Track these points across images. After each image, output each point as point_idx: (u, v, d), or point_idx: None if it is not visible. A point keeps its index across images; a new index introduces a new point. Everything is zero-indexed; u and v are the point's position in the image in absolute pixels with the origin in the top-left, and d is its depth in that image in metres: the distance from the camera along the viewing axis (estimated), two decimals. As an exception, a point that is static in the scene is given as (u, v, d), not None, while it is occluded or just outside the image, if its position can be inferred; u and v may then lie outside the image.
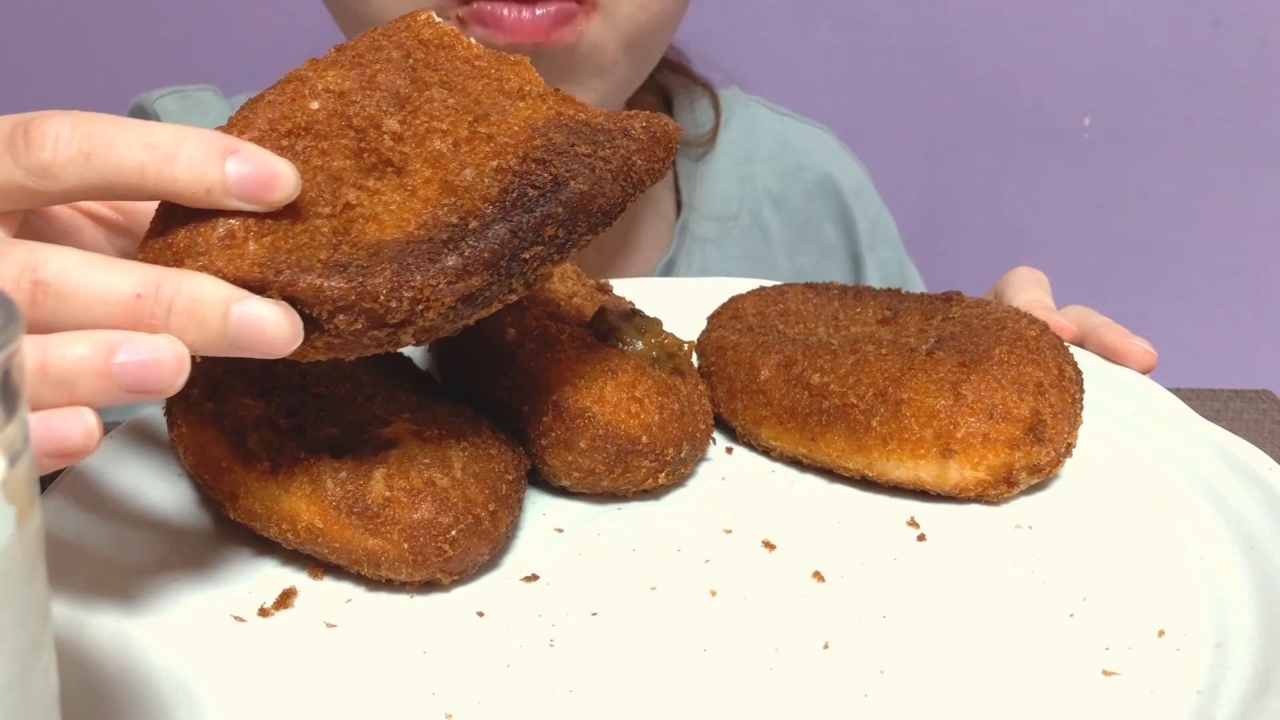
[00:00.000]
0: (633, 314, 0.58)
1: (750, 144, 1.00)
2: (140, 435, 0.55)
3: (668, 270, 0.96)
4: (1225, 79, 1.40)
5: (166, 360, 0.35)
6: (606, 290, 0.64)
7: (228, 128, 0.43)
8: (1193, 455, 0.55)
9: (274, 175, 0.39)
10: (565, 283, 0.61)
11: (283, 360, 0.46)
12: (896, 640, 0.45)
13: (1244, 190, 1.45)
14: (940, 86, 1.43)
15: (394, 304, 0.40)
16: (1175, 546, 0.51)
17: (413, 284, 0.40)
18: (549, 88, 0.47)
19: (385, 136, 0.44)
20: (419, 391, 0.54)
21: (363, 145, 0.44)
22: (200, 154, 0.38)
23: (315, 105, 0.44)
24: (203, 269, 0.39)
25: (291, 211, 0.41)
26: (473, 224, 0.41)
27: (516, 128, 0.44)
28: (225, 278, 0.39)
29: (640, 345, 0.55)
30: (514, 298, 0.44)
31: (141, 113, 0.91)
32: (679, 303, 0.70)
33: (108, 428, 0.56)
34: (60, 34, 1.40)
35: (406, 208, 0.42)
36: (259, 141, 0.42)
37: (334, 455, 0.47)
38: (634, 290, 0.68)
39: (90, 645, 0.43)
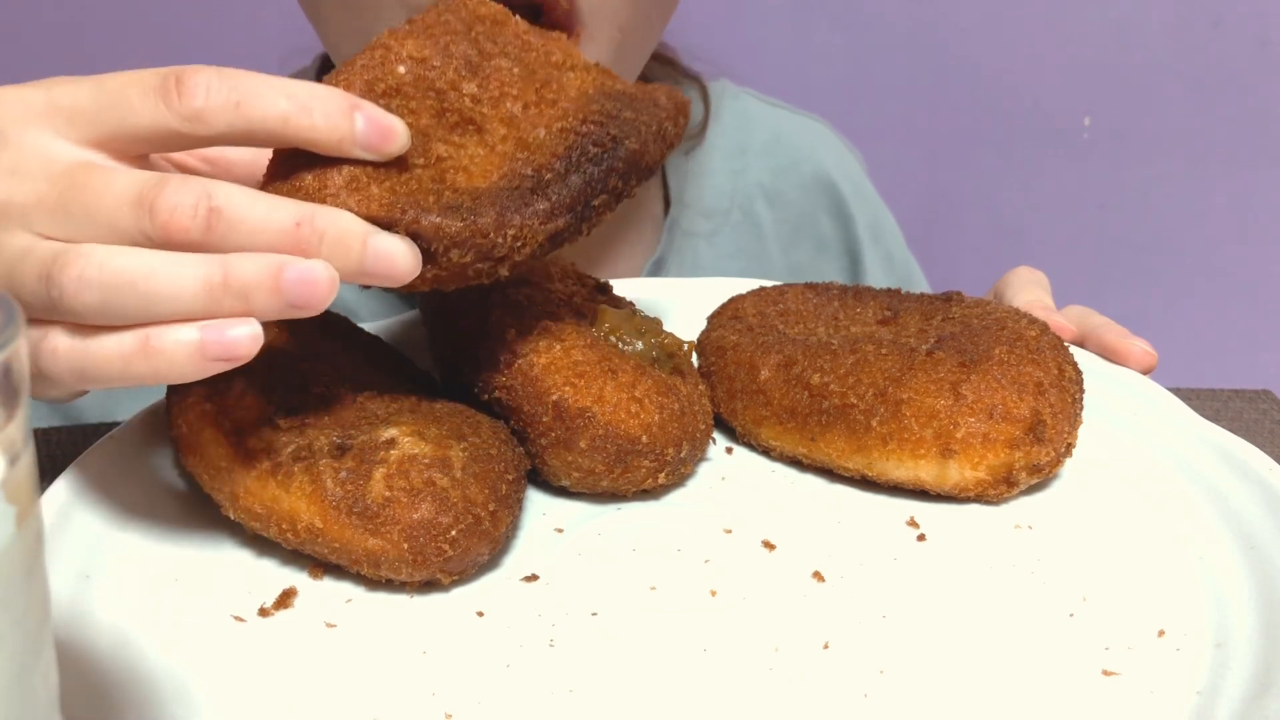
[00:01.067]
0: (633, 314, 0.58)
1: (742, 137, 0.98)
2: (140, 435, 0.55)
3: (657, 268, 0.94)
4: (1225, 79, 1.40)
5: (323, 280, 0.41)
6: (606, 290, 0.64)
7: (330, 84, 0.46)
8: (1193, 455, 0.55)
9: (392, 129, 0.45)
10: (565, 283, 0.61)
11: (283, 360, 0.45)
12: (896, 640, 0.45)
13: (1244, 190, 1.45)
14: (940, 86, 1.43)
15: (500, 240, 0.46)
16: (1175, 546, 0.51)
17: (513, 224, 0.46)
18: (590, 61, 0.53)
19: (465, 98, 0.49)
20: (419, 391, 0.54)
21: (445, 106, 0.49)
22: (334, 108, 0.44)
23: (402, 70, 0.48)
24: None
25: (398, 163, 0.46)
26: (547, 176, 0.48)
27: (574, 94, 0.51)
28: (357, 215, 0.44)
29: (640, 345, 0.55)
30: (579, 238, 0.50)
31: None
32: (679, 303, 0.70)
33: (108, 428, 0.56)
34: (51, 36, 1.40)
35: (488, 161, 0.48)
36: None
37: (334, 455, 0.47)
38: (634, 290, 0.68)
39: (90, 645, 0.43)
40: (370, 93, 0.47)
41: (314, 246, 0.41)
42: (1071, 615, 0.46)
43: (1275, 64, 1.39)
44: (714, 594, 0.48)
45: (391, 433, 0.48)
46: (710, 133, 0.97)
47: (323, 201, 0.44)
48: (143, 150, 0.45)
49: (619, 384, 0.52)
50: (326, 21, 0.77)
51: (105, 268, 0.39)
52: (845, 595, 0.48)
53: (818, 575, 0.49)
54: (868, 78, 1.43)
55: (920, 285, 1.03)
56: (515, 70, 0.51)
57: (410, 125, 0.47)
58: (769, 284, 0.69)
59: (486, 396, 0.54)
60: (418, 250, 0.44)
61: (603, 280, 0.65)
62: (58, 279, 0.39)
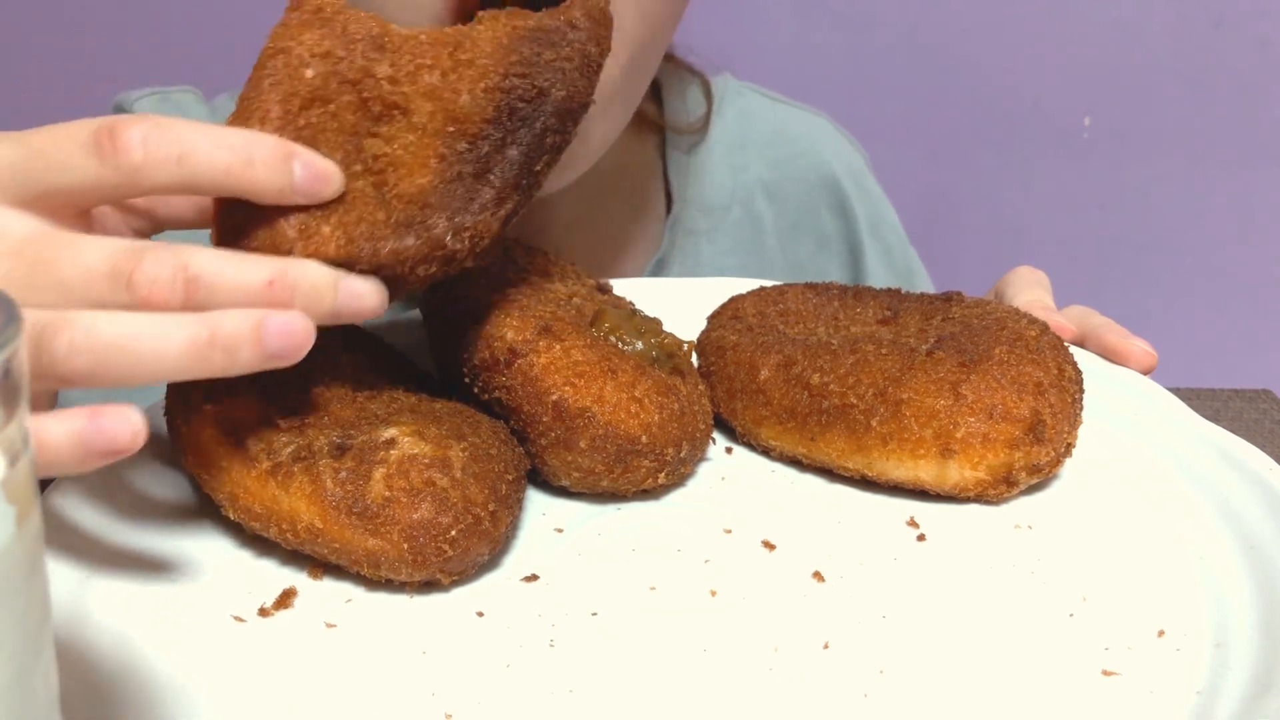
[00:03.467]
0: (633, 314, 0.58)
1: (743, 132, 0.98)
2: (140, 435, 0.54)
3: (660, 268, 0.94)
4: (1225, 79, 1.40)
5: (300, 331, 0.41)
6: (606, 290, 0.64)
7: (245, 116, 0.47)
8: (1193, 455, 0.55)
9: (327, 174, 0.45)
10: (565, 283, 0.61)
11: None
12: (896, 640, 0.45)
13: (1244, 190, 1.45)
14: (940, 86, 1.43)
15: (459, 247, 0.46)
16: (1175, 546, 0.51)
17: (466, 225, 0.46)
18: (487, 12, 0.50)
19: (382, 82, 0.47)
20: (419, 391, 0.54)
21: (365, 96, 0.47)
22: (272, 158, 0.44)
23: (310, 73, 0.47)
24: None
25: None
26: (485, 148, 0.47)
27: (488, 47, 0.48)
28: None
29: (640, 345, 0.55)
30: (530, 199, 0.50)
31: (121, 112, 0.90)
32: (679, 303, 0.70)
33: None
34: (40, 35, 1.40)
35: (422, 144, 0.47)
36: (282, 127, 0.46)
37: (334, 455, 0.47)
38: (634, 290, 0.68)
39: (90, 645, 0.43)
40: (288, 113, 0.47)
41: (288, 301, 0.42)
42: (1071, 615, 0.46)
43: (1275, 64, 1.39)
44: (714, 594, 0.48)
45: (391, 433, 0.48)
46: (712, 128, 0.96)
47: (283, 254, 0.45)
48: (81, 207, 0.45)
49: (619, 384, 0.52)
50: None
51: (94, 335, 0.39)
52: (845, 595, 0.48)
53: (818, 575, 0.49)
54: (868, 77, 1.42)
55: (922, 280, 1.03)
56: (422, 36, 0.48)
57: (337, 130, 0.47)
58: (769, 284, 0.69)
59: (486, 396, 0.54)
60: (383, 286, 0.46)
61: (603, 280, 0.65)
62: (48, 346, 0.39)
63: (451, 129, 0.47)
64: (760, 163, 0.98)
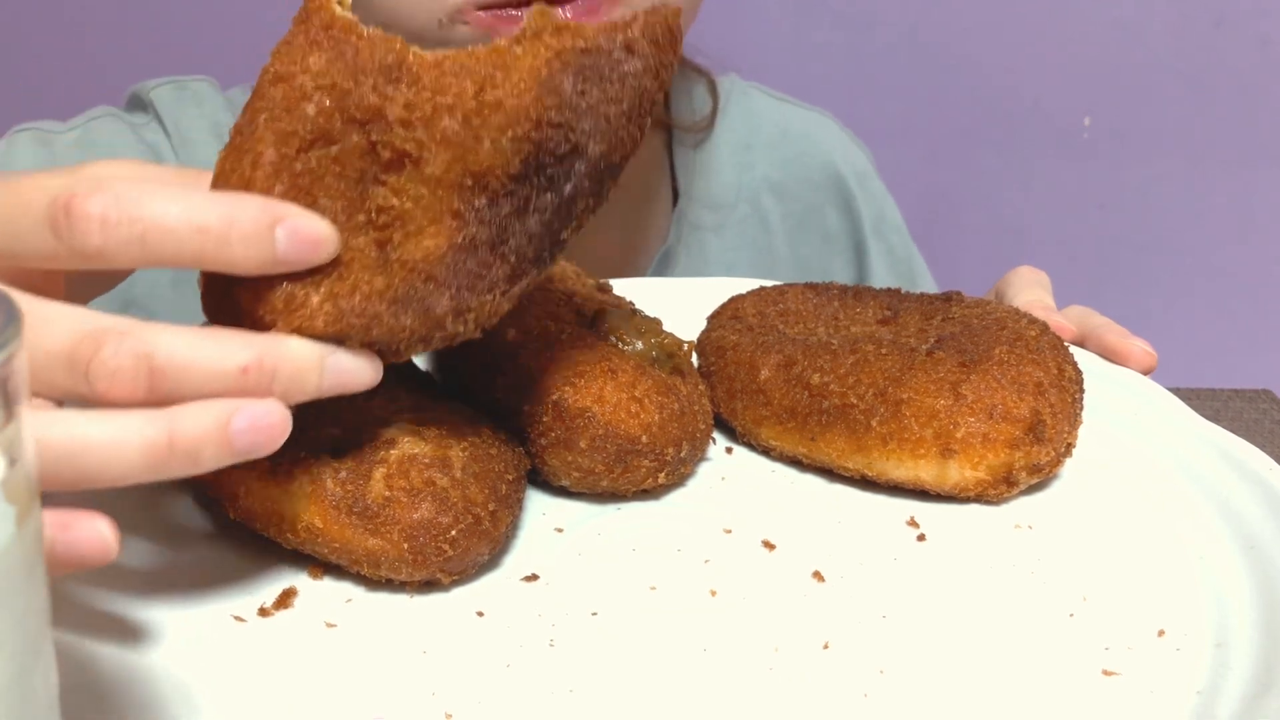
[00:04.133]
0: (633, 314, 0.58)
1: (749, 131, 0.99)
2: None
3: (665, 260, 0.95)
4: (1225, 79, 1.40)
5: (276, 423, 0.38)
6: (606, 290, 0.64)
7: (239, 157, 0.42)
8: (1193, 455, 0.55)
9: (318, 239, 0.41)
10: (565, 283, 0.61)
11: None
12: (896, 640, 0.45)
13: (1244, 190, 1.45)
14: (940, 86, 1.43)
15: (459, 329, 0.42)
16: (1175, 546, 0.51)
17: (471, 306, 0.42)
18: (536, 18, 0.42)
19: (394, 125, 0.41)
20: (419, 391, 0.54)
21: (373, 139, 0.42)
22: (252, 231, 0.39)
23: (312, 109, 0.42)
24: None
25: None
26: (505, 207, 0.41)
27: (522, 86, 0.40)
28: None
29: (640, 345, 0.55)
30: (550, 267, 0.45)
31: (138, 102, 0.90)
32: (679, 303, 0.70)
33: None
34: (56, 23, 1.40)
35: (435, 199, 0.41)
36: (277, 173, 0.42)
37: (334, 455, 0.47)
38: (634, 290, 0.68)
39: (90, 645, 0.43)
40: (284, 157, 0.42)
41: (265, 389, 0.39)
42: (1071, 615, 0.46)
43: (1275, 64, 1.39)
44: (714, 594, 0.48)
45: (391, 433, 0.48)
46: (718, 127, 0.97)
47: (265, 328, 0.41)
48: (39, 272, 0.41)
49: (619, 384, 0.52)
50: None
51: (40, 442, 0.35)
52: (845, 595, 0.48)
53: (818, 575, 0.49)
54: (868, 77, 1.43)
55: (924, 279, 1.03)
56: (446, 64, 0.41)
57: (339, 175, 0.42)
58: (769, 284, 0.69)
59: (486, 396, 0.54)
60: (376, 360, 0.42)
61: (603, 280, 0.65)
62: None
63: (470, 182, 0.41)
64: (767, 161, 0.98)
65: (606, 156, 0.42)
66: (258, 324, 0.42)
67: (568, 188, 0.41)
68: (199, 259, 0.39)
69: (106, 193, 0.38)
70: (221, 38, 1.33)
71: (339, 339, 0.41)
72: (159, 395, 0.37)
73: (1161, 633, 0.45)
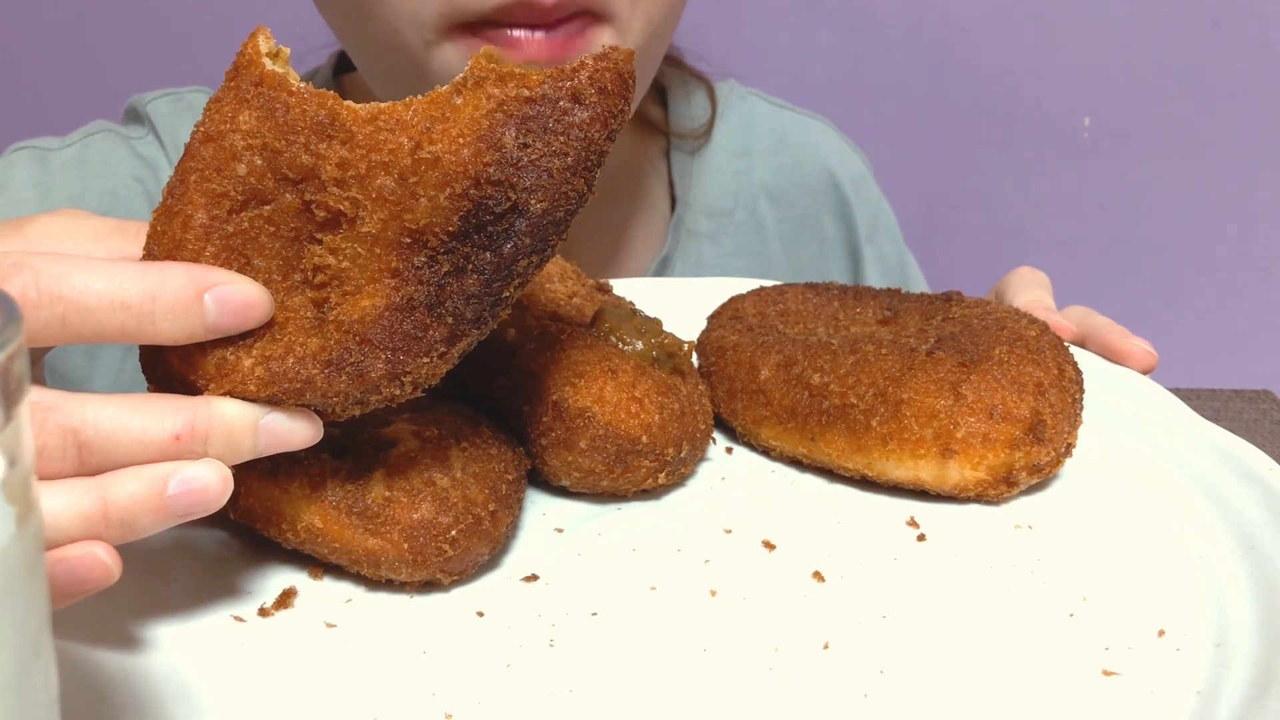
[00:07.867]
0: (633, 314, 0.58)
1: (747, 137, 0.99)
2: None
3: (663, 267, 0.95)
4: (1225, 79, 1.40)
5: (213, 485, 0.38)
6: (606, 290, 0.64)
7: (169, 218, 0.42)
8: (1193, 455, 0.55)
9: (249, 303, 0.40)
10: (565, 283, 0.61)
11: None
12: (896, 640, 0.45)
13: (1244, 190, 1.45)
14: (940, 86, 1.43)
15: (395, 391, 0.42)
16: (1175, 546, 0.51)
17: (408, 368, 0.41)
18: (480, 64, 0.40)
19: (329, 185, 0.40)
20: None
21: (307, 199, 0.41)
22: (179, 304, 0.39)
23: (243, 170, 0.41)
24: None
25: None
26: (444, 266, 0.40)
27: (460, 140, 0.39)
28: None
29: (640, 345, 0.55)
30: (492, 327, 0.43)
31: (135, 115, 0.90)
32: (679, 303, 0.70)
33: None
34: (54, 34, 1.40)
35: (373, 257, 0.41)
36: (208, 235, 0.41)
37: (334, 455, 0.47)
38: (634, 290, 0.68)
39: (90, 645, 0.43)
40: (215, 219, 0.41)
41: (199, 453, 0.39)
42: (1071, 615, 0.46)
43: (1275, 64, 1.39)
44: (714, 594, 0.48)
45: (391, 433, 0.48)
46: (716, 133, 0.97)
47: (197, 392, 0.41)
48: None
49: (619, 384, 0.52)
50: (341, 29, 0.77)
51: None
52: (845, 595, 0.48)
53: (818, 575, 0.49)
54: (868, 78, 1.43)
55: (917, 284, 1.04)
56: (381, 119, 0.40)
57: (273, 235, 0.41)
58: (769, 284, 0.69)
59: (486, 397, 0.54)
60: (314, 418, 0.42)
61: (603, 280, 0.65)
62: None
63: (408, 240, 0.40)
64: (764, 167, 0.99)
65: (550, 213, 0.40)
66: (190, 388, 0.41)
67: (508, 246, 0.40)
68: (124, 335, 0.38)
69: (25, 270, 0.37)
70: (217, 46, 1.33)
71: (273, 402, 0.41)
72: (90, 468, 0.37)
73: (1161, 633, 0.45)
